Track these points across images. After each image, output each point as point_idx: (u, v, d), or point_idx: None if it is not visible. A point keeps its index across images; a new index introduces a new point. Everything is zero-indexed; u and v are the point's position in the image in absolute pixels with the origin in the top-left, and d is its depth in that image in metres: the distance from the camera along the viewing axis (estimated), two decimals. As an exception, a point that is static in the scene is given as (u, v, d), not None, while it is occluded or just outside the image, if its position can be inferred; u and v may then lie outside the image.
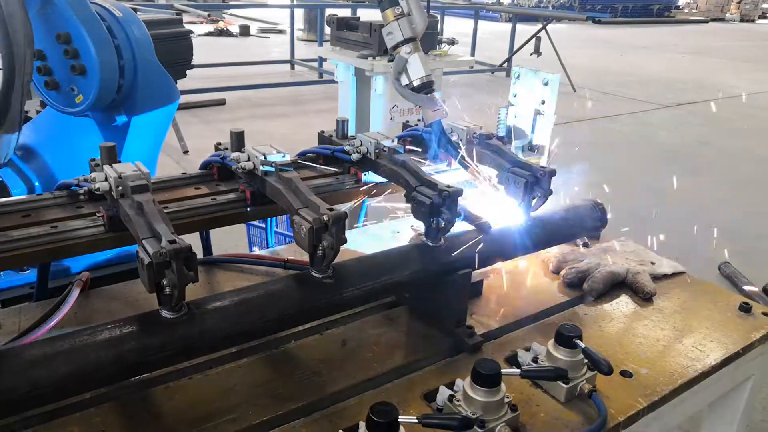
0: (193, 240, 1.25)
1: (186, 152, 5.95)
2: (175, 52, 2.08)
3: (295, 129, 6.98)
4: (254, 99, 8.44)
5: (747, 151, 6.87)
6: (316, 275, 1.12)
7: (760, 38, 20.41)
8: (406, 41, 1.43)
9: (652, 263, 1.68)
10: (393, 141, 1.44)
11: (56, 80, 1.79)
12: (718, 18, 26.11)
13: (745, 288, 3.79)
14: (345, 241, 1.08)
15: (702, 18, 25.62)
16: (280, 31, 14.42)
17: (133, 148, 1.89)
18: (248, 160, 1.26)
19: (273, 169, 1.23)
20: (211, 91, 7.90)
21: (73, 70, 1.73)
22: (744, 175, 6.02)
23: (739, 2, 26.79)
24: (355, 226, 1.97)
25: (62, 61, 1.74)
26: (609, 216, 1.59)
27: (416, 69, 1.44)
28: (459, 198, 1.23)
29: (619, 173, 5.57)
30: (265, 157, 1.24)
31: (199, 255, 1.85)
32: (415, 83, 1.45)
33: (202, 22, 14.92)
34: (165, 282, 0.93)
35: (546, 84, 1.73)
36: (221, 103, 8.04)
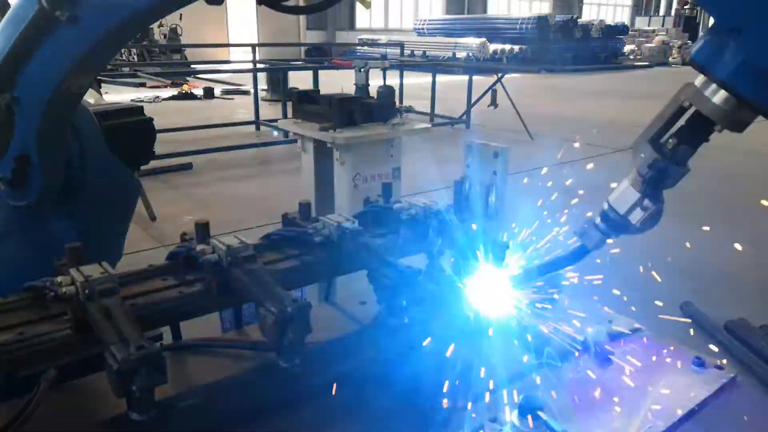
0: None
1: (154, 219, 5.91)
2: (132, 141, 2.14)
3: (262, 189, 7.04)
4: (221, 161, 8.50)
5: (705, 190, 7.18)
6: (283, 365, 1.15)
7: (703, 80, 21.60)
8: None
9: (609, 321, 1.75)
10: (354, 222, 1.50)
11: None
12: (661, 62, 27.64)
13: (707, 328, 3.92)
14: (310, 330, 1.12)
15: (647, 63, 27.09)
16: (245, 92, 14.64)
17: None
18: (213, 252, 1.30)
19: (237, 260, 1.27)
20: (177, 155, 7.93)
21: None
22: (703, 211, 6.27)
23: (680, 47, 28.48)
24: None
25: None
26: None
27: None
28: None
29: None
30: (229, 249, 1.28)
31: (167, 335, 1.85)
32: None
33: (166, 87, 15.10)
34: (134, 387, 0.95)
35: (496, 156, 1.84)
36: (188, 167, 8.06)
